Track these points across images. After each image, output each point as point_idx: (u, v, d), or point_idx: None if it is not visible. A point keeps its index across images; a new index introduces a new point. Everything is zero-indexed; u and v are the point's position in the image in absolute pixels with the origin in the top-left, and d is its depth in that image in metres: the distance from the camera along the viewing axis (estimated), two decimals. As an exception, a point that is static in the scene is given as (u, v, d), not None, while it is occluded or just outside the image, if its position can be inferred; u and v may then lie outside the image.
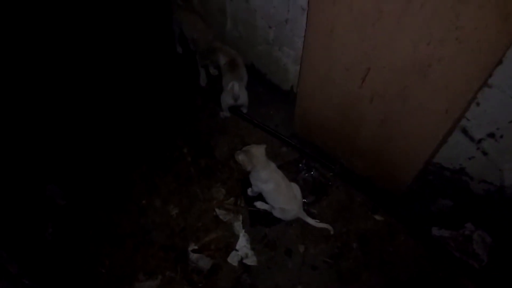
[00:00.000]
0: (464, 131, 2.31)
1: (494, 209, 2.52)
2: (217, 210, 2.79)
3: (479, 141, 2.29)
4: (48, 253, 2.59)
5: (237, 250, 2.62)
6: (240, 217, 2.76)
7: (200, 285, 2.50)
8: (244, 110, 3.25)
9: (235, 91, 2.91)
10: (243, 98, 3.05)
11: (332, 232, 2.62)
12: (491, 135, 2.22)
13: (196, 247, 2.63)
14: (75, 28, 3.47)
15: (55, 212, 2.78)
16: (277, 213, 2.64)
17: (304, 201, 2.72)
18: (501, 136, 2.18)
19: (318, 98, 2.61)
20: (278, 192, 2.54)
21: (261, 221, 2.74)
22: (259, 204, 2.76)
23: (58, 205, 2.81)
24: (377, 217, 2.74)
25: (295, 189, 2.66)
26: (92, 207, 2.82)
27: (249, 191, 2.78)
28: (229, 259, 2.58)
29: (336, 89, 2.42)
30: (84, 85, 3.45)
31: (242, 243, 2.64)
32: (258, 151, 2.44)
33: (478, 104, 2.09)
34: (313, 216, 2.70)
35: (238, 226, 2.72)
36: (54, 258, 2.57)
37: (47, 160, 3.02)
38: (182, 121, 3.31)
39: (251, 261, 2.58)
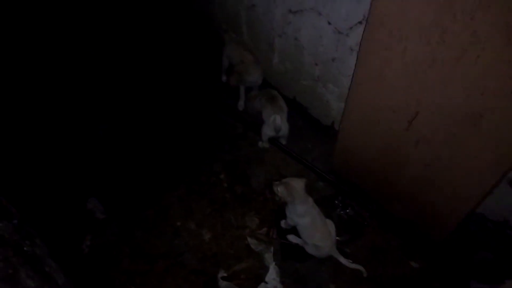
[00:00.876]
0: (511, 183, 2.25)
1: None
2: (249, 238, 2.80)
3: (528, 195, 2.22)
4: (83, 265, 2.65)
5: (266, 283, 2.59)
6: (272, 249, 2.74)
7: (227, 314, 2.47)
8: (283, 142, 3.31)
9: (277, 122, 2.98)
10: (284, 130, 3.12)
11: (365, 275, 2.56)
12: (541, 191, 2.14)
13: (225, 275, 2.62)
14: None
15: (94, 225, 2.87)
16: (309, 249, 2.61)
17: (337, 239, 2.68)
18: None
19: (360, 137, 2.63)
20: (313, 228, 2.52)
21: (293, 256, 2.71)
22: (291, 238, 2.74)
23: (97, 219, 2.90)
24: (413, 264, 2.66)
25: (330, 226, 2.64)
26: (129, 224, 2.89)
27: (282, 223, 2.79)
28: (258, 291, 2.56)
29: (381, 130, 2.43)
30: (134, 104, 3.65)
31: (272, 276, 2.61)
32: (298, 184, 2.46)
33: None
34: (346, 256, 2.65)
35: (269, 257, 2.70)
36: (88, 271, 2.62)
37: (91, 174, 3.15)
38: (221, 148, 3.40)
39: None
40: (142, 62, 4.18)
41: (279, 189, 2.47)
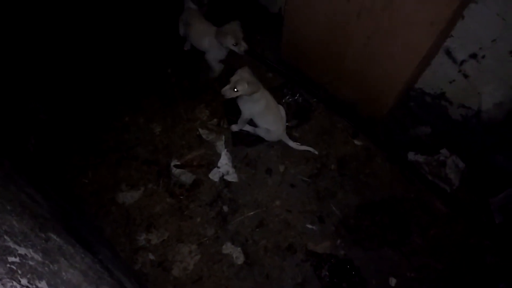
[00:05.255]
0: (448, 52, 2.32)
1: (470, 134, 2.60)
2: (200, 130, 2.82)
3: (461, 63, 2.31)
4: (30, 163, 2.60)
5: (218, 167, 2.68)
6: (223, 137, 2.80)
7: (181, 197, 2.58)
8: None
9: None
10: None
11: (316, 153, 2.68)
12: (473, 56, 2.23)
13: (178, 163, 2.68)
14: None
15: (38, 125, 2.77)
16: (261, 133, 2.65)
17: (287, 125, 2.75)
18: (483, 57, 2.19)
19: (305, 17, 2.56)
20: (268, 111, 2.53)
21: (243, 141, 2.79)
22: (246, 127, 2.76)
23: (41, 119, 2.79)
24: (357, 142, 2.80)
25: (282, 111, 2.68)
26: (76, 122, 2.82)
27: (233, 127, 2.77)
28: (211, 175, 2.65)
29: (324, 5, 2.36)
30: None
31: (224, 161, 2.69)
32: (249, 73, 2.35)
33: (463, 17, 2.08)
34: (295, 139, 2.75)
35: (220, 145, 2.76)
36: (37, 168, 2.59)
37: (30, 75, 2.96)
38: (168, 45, 3.24)
39: (232, 177, 2.65)
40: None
41: (241, 88, 2.30)
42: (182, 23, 3.01)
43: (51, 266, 1.03)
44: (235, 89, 2.30)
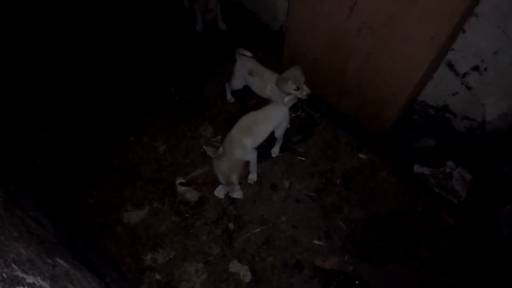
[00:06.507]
0: (450, 65, 2.33)
1: (475, 146, 2.58)
2: (204, 147, 2.81)
3: (464, 75, 2.32)
4: (36, 184, 2.61)
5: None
6: (227, 154, 2.78)
7: (186, 215, 2.57)
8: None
9: None
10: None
11: None
12: (476, 68, 2.24)
13: (183, 181, 2.68)
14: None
15: (43, 146, 2.79)
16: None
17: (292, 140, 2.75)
18: (485, 69, 2.20)
19: (307, 33, 2.59)
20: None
21: (248, 158, 2.78)
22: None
23: (45, 140, 2.81)
24: (361, 156, 2.80)
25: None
26: (80, 142, 2.84)
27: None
28: (216, 193, 2.64)
29: (325, 21, 2.40)
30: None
31: (229, 178, 2.68)
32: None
33: (464, 31, 2.09)
34: (299, 154, 2.75)
35: (225, 162, 2.75)
36: (42, 189, 2.60)
37: (34, 95, 3.00)
38: (170, 64, 3.28)
39: (237, 194, 2.64)
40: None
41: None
42: (237, 75, 2.82)
43: (59, 293, 1.02)
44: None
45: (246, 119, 2.37)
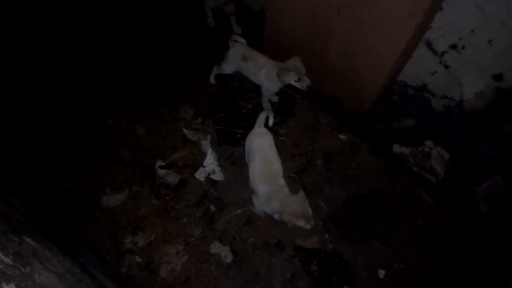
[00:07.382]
0: (428, 44, 2.33)
1: (453, 125, 2.61)
2: (184, 130, 2.79)
3: (442, 54, 2.32)
4: (10, 168, 2.55)
5: (204, 167, 2.65)
6: (208, 137, 2.77)
7: (167, 198, 2.55)
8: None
9: None
10: None
11: None
12: (453, 47, 2.24)
13: (163, 164, 2.65)
14: None
15: (19, 130, 2.71)
16: None
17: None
18: (463, 47, 2.21)
19: (286, 12, 2.56)
20: None
21: (229, 141, 2.77)
22: None
23: (21, 124, 2.74)
24: (342, 136, 2.80)
25: None
26: (57, 126, 2.78)
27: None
28: (197, 175, 2.62)
29: (304, 0, 2.37)
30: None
31: (210, 160, 2.67)
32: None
33: (442, 9, 2.09)
34: (280, 135, 2.74)
35: (206, 145, 2.74)
36: (16, 173, 2.54)
37: (10, 78, 2.91)
38: (150, 46, 3.21)
39: (218, 176, 2.63)
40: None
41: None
42: (230, 61, 2.78)
43: (22, 269, 1.00)
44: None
45: (261, 169, 2.27)
